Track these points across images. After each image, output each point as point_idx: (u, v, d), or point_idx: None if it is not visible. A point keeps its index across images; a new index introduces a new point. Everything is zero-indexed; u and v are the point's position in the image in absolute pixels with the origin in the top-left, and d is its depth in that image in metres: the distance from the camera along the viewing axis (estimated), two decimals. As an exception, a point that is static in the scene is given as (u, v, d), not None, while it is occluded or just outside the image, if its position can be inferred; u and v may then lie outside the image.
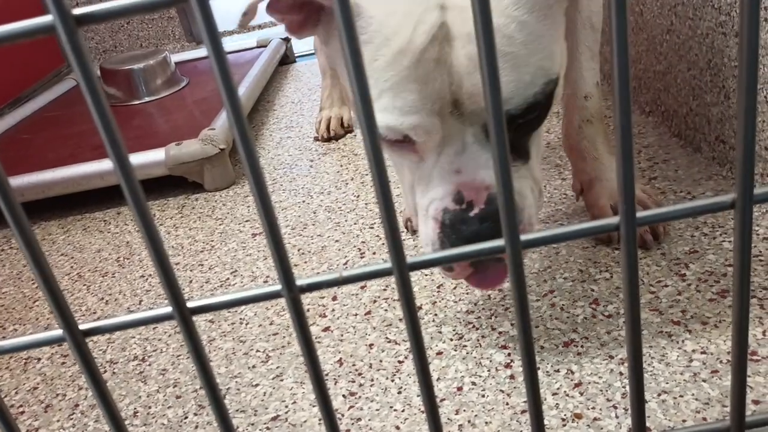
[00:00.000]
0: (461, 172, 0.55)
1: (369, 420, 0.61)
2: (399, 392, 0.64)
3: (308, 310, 0.79)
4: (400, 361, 0.68)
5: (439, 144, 0.55)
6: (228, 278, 0.89)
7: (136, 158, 1.15)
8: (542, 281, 0.75)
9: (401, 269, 0.26)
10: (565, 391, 0.59)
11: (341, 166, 1.17)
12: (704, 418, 0.54)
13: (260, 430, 0.63)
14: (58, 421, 0.70)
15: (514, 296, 0.27)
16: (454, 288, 0.77)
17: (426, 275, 0.80)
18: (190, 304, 0.26)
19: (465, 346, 0.68)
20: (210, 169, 1.17)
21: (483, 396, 0.61)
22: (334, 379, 0.67)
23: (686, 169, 0.91)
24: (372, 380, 0.66)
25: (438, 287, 0.77)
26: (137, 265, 0.98)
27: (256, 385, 0.69)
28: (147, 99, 1.55)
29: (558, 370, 0.62)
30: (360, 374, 0.67)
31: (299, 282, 0.26)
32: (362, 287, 0.81)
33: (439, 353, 0.67)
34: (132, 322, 0.26)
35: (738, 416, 0.31)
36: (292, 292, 0.26)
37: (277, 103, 1.58)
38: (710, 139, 0.90)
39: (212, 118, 1.29)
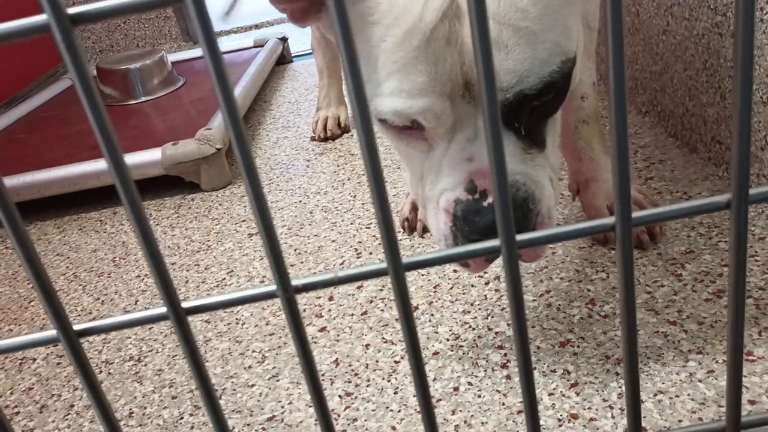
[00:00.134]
0: (474, 159, 0.52)
1: (365, 420, 0.61)
2: (395, 392, 0.64)
3: (304, 311, 0.79)
4: (396, 362, 0.68)
5: (449, 130, 0.52)
6: (224, 278, 0.89)
7: (133, 158, 1.15)
8: (538, 281, 0.75)
9: (397, 270, 0.26)
10: (561, 392, 0.60)
11: (338, 166, 1.17)
12: (700, 419, 0.54)
13: (256, 430, 0.63)
14: (53, 421, 0.69)
15: (510, 296, 0.27)
16: (451, 288, 0.77)
17: (422, 275, 0.80)
18: (185, 305, 0.26)
19: (461, 346, 0.68)
20: (206, 169, 1.16)
21: (479, 396, 0.61)
22: (331, 379, 0.67)
23: (682, 170, 0.91)
24: (368, 380, 0.66)
25: (434, 287, 0.77)
26: (133, 265, 0.98)
27: (252, 385, 0.69)
28: (143, 99, 1.55)
29: (554, 371, 0.62)
30: (356, 374, 0.67)
31: (294, 282, 0.26)
32: (358, 287, 0.81)
33: (436, 353, 0.67)
34: (126, 323, 0.26)
35: (734, 416, 0.31)
36: (288, 293, 0.26)
37: (274, 103, 1.58)
38: (706, 139, 0.90)
39: (209, 117, 1.29)
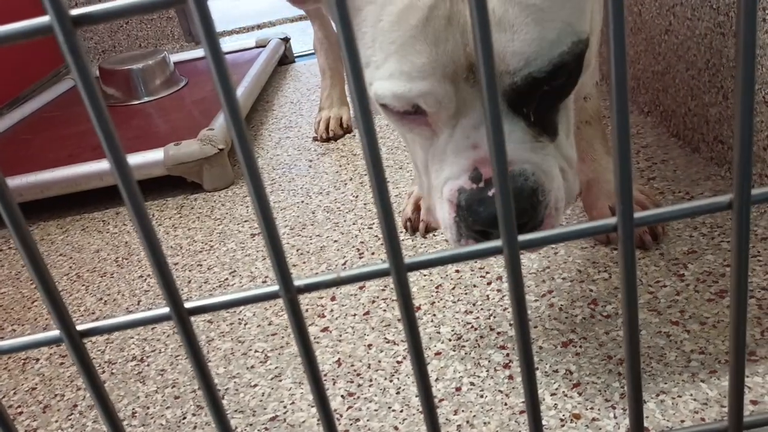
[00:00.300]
0: (479, 146, 0.49)
1: (367, 420, 0.61)
2: (397, 392, 0.64)
3: (307, 311, 0.79)
4: (398, 362, 0.68)
5: (453, 116, 0.49)
6: (227, 278, 0.89)
7: (135, 158, 1.15)
8: (541, 281, 0.75)
9: (399, 270, 0.26)
10: (563, 392, 0.60)
11: (340, 166, 1.17)
12: (702, 419, 0.54)
13: (258, 430, 0.63)
14: (56, 421, 0.70)
15: (512, 296, 0.27)
16: (453, 288, 0.77)
17: (425, 275, 0.80)
18: (187, 305, 0.26)
19: (463, 346, 0.68)
20: (209, 170, 1.17)
21: (481, 396, 0.61)
22: (333, 379, 0.67)
23: (684, 170, 0.91)
24: (370, 381, 0.66)
25: (437, 287, 0.77)
26: (136, 265, 0.98)
27: (255, 385, 0.69)
28: (146, 99, 1.55)
29: (556, 371, 0.62)
30: (358, 375, 0.67)
31: (297, 282, 0.26)
32: (361, 287, 0.81)
33: (438, 353, 0.67)
34: (129, 323, 0.26)
35: (736, 416, 0.31)
36: (290, 293, 0.26)
37: (276, 104, 1.58)
38: (709, 139, 0.90)
39: (211, 118, 1.29)
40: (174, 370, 0.73)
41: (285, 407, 0.65)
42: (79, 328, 0.26)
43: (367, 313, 0.76)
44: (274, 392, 0.67)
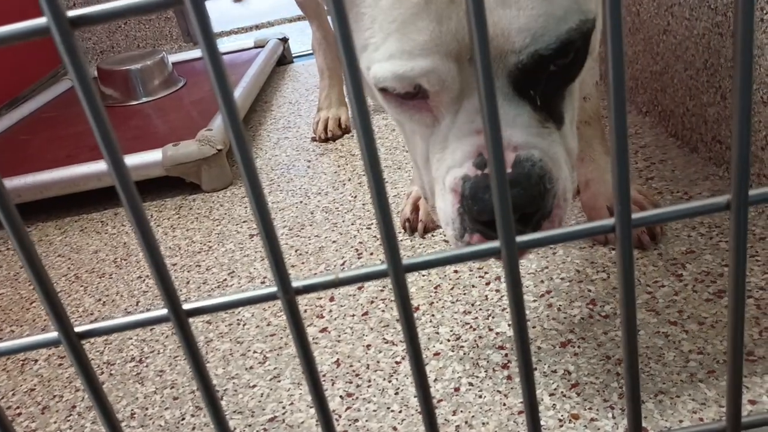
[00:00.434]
0: (482, 131, 0.47)
1: (366, 421, 0.61)
2: (396, 393, 0.64)
3: (305, 311, 0.79)
4: (397, 362, 0.68)
5: (456, 99, 0.47)
6: (225, 279, 0.89)
7: (133, 159, 1.15)
8: (539, 282, 0.75)
9: (397, 271, 0.26)
10: (562, 392, 0.60)
11: (339, 166, 1.17)
12: (701, 419, 0.54)
13: (257, 431, 0.63)
14: (55, 422, 0.70)
15: (510, 297, 0.27)
16: (451, 289, 0.77)
17: (423, 276, 0.80)
18: (185, 306, 0.26)
19: (462, 346, 0.68)
20: (207, 170, 1.16)
21: (480, 397, 0.61)
22: (332, 380, 0.67)
23: (683, 170, 0.91)
24: (369, 381, 0.66)
25: (435, 288, 0.77)
26: (134, 266, 0.98)
27: (254, 386, 0.69)
28: (144, 100, 1.55)
29: (555, 371, 0.62)
30: (357, 375, 0.67)
31: (295, 284, 0.26)
32: (359, 288, 0.81)
33: (437, 354, 0.67)
34: (127, 325, 0.26)
35: (734, 417, 0.31)
36: (288, 294, 0.26)
37: (275, 104, 1.58)
38: (707, 139, 0.90)
39: (209, 118, 1.29)
40: (173, 371, 0.73)
41: (284, 408, 0.65)
42: (77, 329, 0.26)
43: (366, 313, 0.76)
44: (272, 393, 0.67)
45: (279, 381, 0.68)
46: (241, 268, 0.91)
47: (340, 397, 0.65)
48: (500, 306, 0.72)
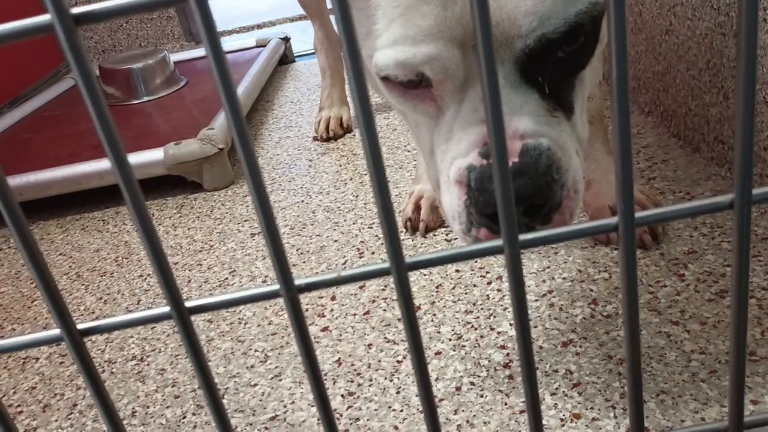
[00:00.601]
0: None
1: (367, 420, 0.61)
2: (398, 392, 0.64)
3: (307, 310, 0.79)
4: (398, 361, 0.68)
5: (460, 87, 0.46)
6: (227, 278, 0.89)
7: (135, 158, 1.15)
8: (541, 281, 0.75)
9: (399, 269, 0.26)
10: (563, 391, 0.60)
11: (340, 165, 1.17)
12: (703, 419, 0.54)
13: (258, 429, 0.63)
14: (56, 420, 0.70)
15: (512, 296, 0.27)
16: (453, 288, 0.77)
17: (425, 275, 0.80)
18: (188, 304, 0.26)
19: (464, 346, 0.68)
20: (209, 169, 1.17)
21: (482, 396, 0.61)
22: (333, 379, 0.67)
23: (685, 170, 0.91)
24: (371, 380, 0.66)
25: (437, 287, 0.77)
26: (136, 264, 0.98)
27: (255, 384, 0.69)
28: (146, 98, 1.55)
29: (557, 370, 0.62)
30: (359, 374, 0.67)
31: (297, 282, 0.26)
32: (361, 287, 0.81)
33: (438, 353, 0.67)
34: (129, 322, 0.26)
35: (736, 416, 0.31)
36: (291, 292, 0.26)
37: (276, 103, 1.58)
38: (709, 139, 0.90)
39: (211, 117, 1.29)
40: (174, 370, 0.73)
41: (285, 407, 0.65)
42: (79, 327, 0.26)
43: (368, 312, 0.76)
44: (274, 392, 0.67)
45: (280, 380, 0.69)
46: (243, 267, 0.91)
47: (342, 396, 0.65)
48: (502, 305, 0.72)
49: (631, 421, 0.32)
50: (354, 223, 0.96)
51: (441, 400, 0.62)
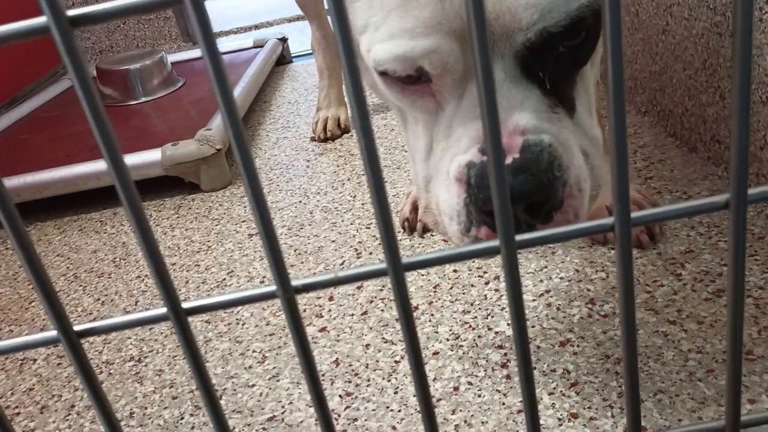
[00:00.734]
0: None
1: (365, 420, 0.61)
2: (395, 392, 0.64)
3: (304, 311, 0.79)
4: (396, 361, 0.68)
5: (460, 81, 0.45)
6: (224, 279, 0.89)
7: (133, 158, 1.15)
8: (538, 281, 0.75)
9: (396, 270, 0.26)
10: (561, 391, 0.60)
11: (338, 166, 1.17)
12: (700, 418, 0.54)
13: (256, 430, 0.63)
14: (53, 422, 0.69)
15: (509, 296, 0.27)
16: (451, 288, 0.77)
17: (422, 275, 0.80)
18: (185, 305, 0.26)
19: (461, 346, 0.68)
20: (206, 170, 1.16)
21: (479, 396, 0.61)
22: (331, 379, 0.67)
23: (682, 169, 0.91)
24: (368, 380, 0.66)
25: (434, 287, 0.77)
26: (133, 265, 0.98)
27: (253, 385, 0.69)
28: (143, 99, 1.55)
29: (554, 370, 0.62)
30: (356, 374, 0.67)
31: (294, 283, 0.26)
32: (359, 287, 0.81)
33: (436, 353, 0.67)
34: (126, 323, 0.26)
35: (733, 416, 0.31)
36: (287, 293, 0.26)
37: (274, 104, 1.58)
38: (706, 138, 0.90)
39: (209, 118, 1.29)
40: (172, 371, 0.73)
41: (283, 407, 0.65)
42: (76, 328, 0.26)
43: (365, 313, 0.76)
44: (272, 392, 0.67)
45: (278, 380, 0.68)
46: (240, 267, 0.91)
47: (339, 396, 0.65)
48: (499, 305, 0.72)
49: (628, 421, 0.32)
50: (352, 224, 0.96)
51: (439, 400, 0.62)
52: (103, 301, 0.90)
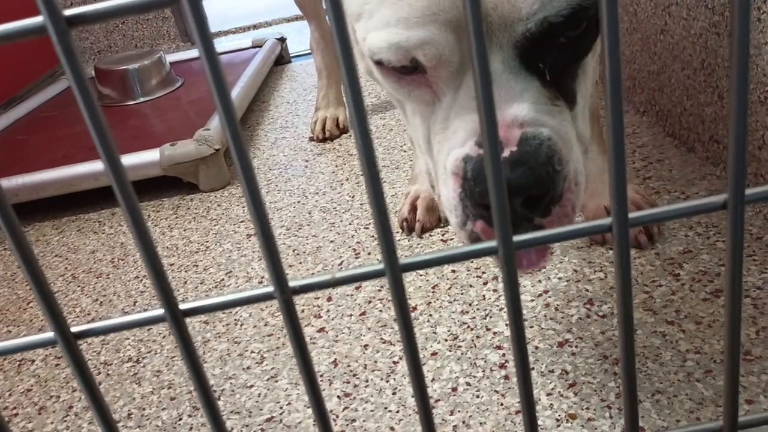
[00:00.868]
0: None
1: (363, 421, 0.61)
2: (394, 393, 0.64)
3: (303, 311, 0.79)
4: (394, 362, 0.68)
5: (456, 73, 0.44)
6: (223, 279, 0.89)
7: (131, 159, 1.15)
8: (537, 281, 0.75)
9: (394, 270, 0.26)
10: (559, 392, 0.60)
11: (336, 166, 1.17)
12: (698, 418, 0.54)
13: (254, 431, 0.63)
14: (51, 423, 0.69)
15: (507, 297, 0.27)
16: (449, 289, 0.77)
17: (421, 276, 0.80)
18: (182, 306, 0.26)
19: (459, 346, 0.68)
20: (205, 170, 1.16)
21: (477, 397, 0.61)
22: (329, 380, 0.67)
23: (680, 169, 0.91)
24: (367, 381, 0.66)
25: (433, 288, 0.77)
26: (132, 266, 0.98)
27: (251, 386, 0.69)
28: (142, 99, 1.54)
29: (552, 371, 0.62)
30: (355, 375, 0.67)
31: (292, 283, 0.26)
32: (357, 288, 0.81)
33: (434, 354, 0.67)
34: (124, 325, 0.26)
35: (731, 416, 0.31)
36: (285, 294, 0.26)
37: (273, 104, 1.58)
38: (704, 138, 0.90)
39: (207, 118, 1.29)
40: (170, 372, 0.73)
41: (281, 408, 0.65)
42: (73, 329, 0.26)
43: (364, 313, 0.76)
44: (270, 393, 0.67)
45: (276, 381, 0.68)
46: (239, 268, 0.91)
47: (338, 397, 0.65)
48: (498, 306, 0.72)
49: (626, 421, 0.32)
50: (350, 224, 0.96)
51: (437, 400, 0.62)
52: (101, 302, 0.90)
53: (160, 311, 0.26)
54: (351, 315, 0.76)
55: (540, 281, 0.75)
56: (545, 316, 0.69)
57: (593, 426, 0.55)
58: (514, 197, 0.44)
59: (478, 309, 0.73)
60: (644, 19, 1.02)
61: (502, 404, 0.60)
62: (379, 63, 0.46)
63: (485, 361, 0.65)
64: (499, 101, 0.43)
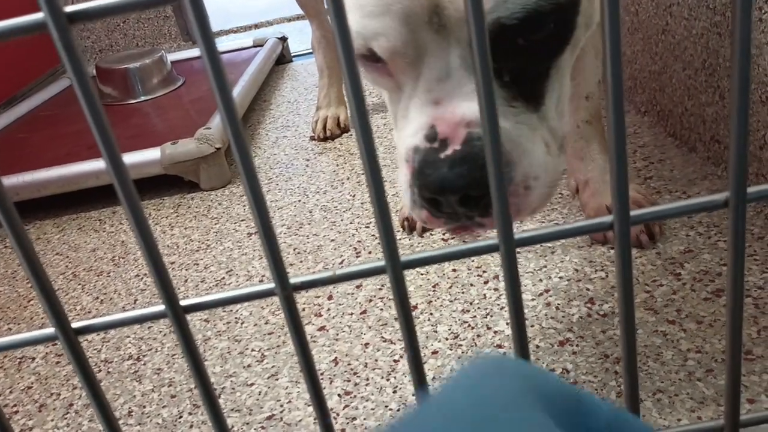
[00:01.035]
0: (441, 102, 0.44)
1: (364, 419, 0.61)
2: (394, 391, 0.64)
3: (303, 310, 0.79)
4: (395, 360, 0.68)
5: (413, 65, 0.44)
6: (223, 277, 0.89)
7: (132, 157, 1.15)
8: (537, 280, 0.75)
9: (395, 268, 0.26)
10: (560, 391, 0.60)
11: (337, 165, 1.17)
12: (699, 417, 0.54)
13: (255, 429, 0.63)
14: (52, 420, 0.69)
15: (508, 295, 0.27)
16: (450, 287, 0.77)
17: (422, 274, 0.80)
18: (183, 303, 0.26)
19: (460, 345, 0.68)
20: (206, 168, 1.16)
21: (478, 395, 0.61)
22: (330, 378, 0.67)
23: (681, 169, 0.91)
24: (367, 379, 0.66)
25: (434, 286, 0.77)
26: (132, 264, 0.98)
27: (251, 384, 0.69)
28: (143, 98, 1.54)
29: (553, 369, 0.62)
30: (355, 373, 0.67)
31: (293, 280, 0.26)
32: (358, 286, 0.81)
33: (435, 352, 0.67)
34: (124, 321, 0.26)
35: (732, 415, 0.31)
36: (286, 290, 0.26)
37: (274, 103, 1.58)
38: (705, 138, 0.90)
39: (208, 117, 1.29)
40: (170, 369, 0.73)
41: (282, 406, 0.65)
42: (74, 325, 0.26)
43: (364, 311, 0.76)
44: (270, 391, 0.67)
45: (277, 379, 0.68)
46: (239, 266, 0.91)
47: (338, 395, 0.65)
48: (498, 305, 0.72)
49: (626, 420, 0.32)
50: (351, 223, 0.96)
51: (438, 399, 0.61)
52: (102, 300, 0.90)
53: (161, 307, 0.26)
54: (352, 313, 0.76)
55: (541, 280, 0.75)
56: (546, 315, 0.69)
57: (594, 425, 0.55)
58: (448, 195, 0.44)
59: (479, 308, 0.73)
60: (645, 19, 1.02)
61: (502, 403, 0.60)
62: None
63: (486, 360, 0.65)
64: (452, 97, 0.43)
